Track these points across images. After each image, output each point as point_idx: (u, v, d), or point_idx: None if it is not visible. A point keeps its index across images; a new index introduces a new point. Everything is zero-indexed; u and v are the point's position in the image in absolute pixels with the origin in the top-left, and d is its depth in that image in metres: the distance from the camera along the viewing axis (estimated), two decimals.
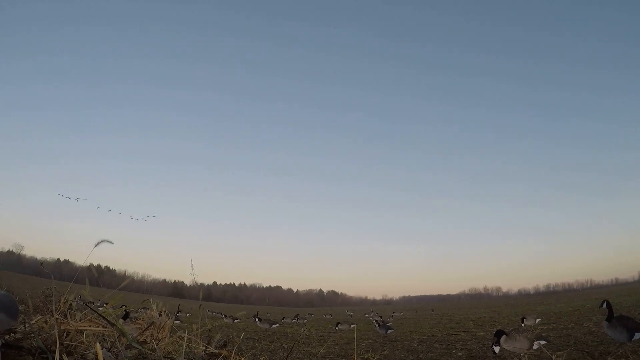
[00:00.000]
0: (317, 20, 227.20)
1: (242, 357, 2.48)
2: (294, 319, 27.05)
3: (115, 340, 2.16)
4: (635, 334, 6.23)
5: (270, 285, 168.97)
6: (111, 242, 3.21)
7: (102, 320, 2.37)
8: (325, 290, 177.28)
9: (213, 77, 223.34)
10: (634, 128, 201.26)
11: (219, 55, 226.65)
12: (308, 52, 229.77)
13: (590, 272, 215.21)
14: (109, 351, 2.02)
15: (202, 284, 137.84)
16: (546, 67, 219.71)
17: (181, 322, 17.74)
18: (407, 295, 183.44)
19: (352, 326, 18.49)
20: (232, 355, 2.37)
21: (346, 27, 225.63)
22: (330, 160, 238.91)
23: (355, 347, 9.41)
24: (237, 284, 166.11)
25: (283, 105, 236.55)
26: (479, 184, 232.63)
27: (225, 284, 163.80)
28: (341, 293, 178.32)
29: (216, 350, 2.60)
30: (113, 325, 2.24)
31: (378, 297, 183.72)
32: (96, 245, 3.11)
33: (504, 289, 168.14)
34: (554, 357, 3.30)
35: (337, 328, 18.09)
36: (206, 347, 2.65)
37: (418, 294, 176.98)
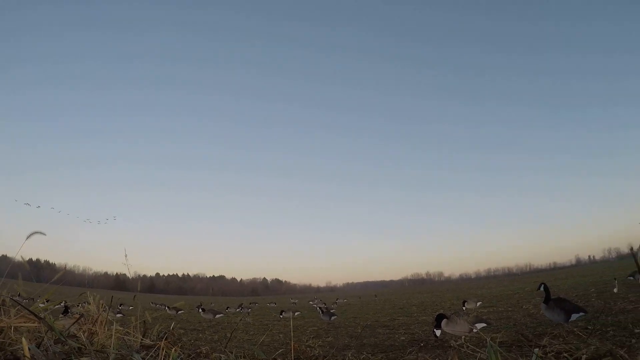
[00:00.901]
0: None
1: (177, 346, 2.54)
2: (238, 308, 27.02)
3: (44, 335, 2.17)
4: (572, 315, 6.52)
5: (214, 275, 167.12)
6: (43, 234, 3.16)
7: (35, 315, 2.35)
8: (269, 278, 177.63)
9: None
10: (565, 108, 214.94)
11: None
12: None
13: (530, 257, 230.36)
14: (38, 347, 2.03)
15: (144, 276, 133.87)
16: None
17: (123, 315, 17.28)
18: (350, 282, 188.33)
19: (296, 314, 18.78)
20: (164, 345, 2.43)
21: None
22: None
23: (292, 335, 9.58)
24: (180, 274, 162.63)
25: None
26: (420, 173, 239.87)
27: (168, 274, 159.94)
28: (285, 281, 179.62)
29: (152, 342, 2.65)
30: (41, 319, 2.25)
31: (322, 284, 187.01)
32: (28, 237, 3.05)
33: (446, 274, 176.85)
34: (488, 339, 3.58)
35: (281, 316, 18.30)
36: (142, 339, 2.69)
37: (361, 281, 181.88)
